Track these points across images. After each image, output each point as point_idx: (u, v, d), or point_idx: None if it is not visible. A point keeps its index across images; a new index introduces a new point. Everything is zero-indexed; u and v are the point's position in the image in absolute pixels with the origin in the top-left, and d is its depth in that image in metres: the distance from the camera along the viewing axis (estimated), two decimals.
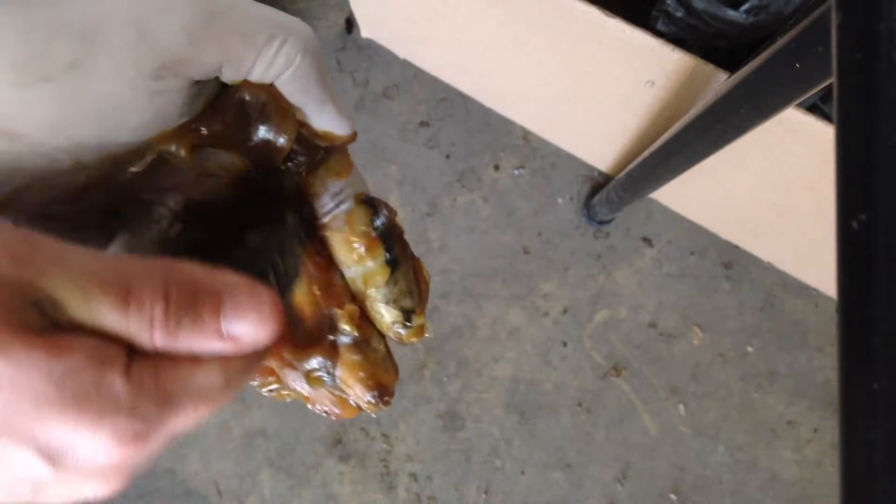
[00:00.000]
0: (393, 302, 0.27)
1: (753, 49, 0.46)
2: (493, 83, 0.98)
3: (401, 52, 1.06)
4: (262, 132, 0.24)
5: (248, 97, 0.23)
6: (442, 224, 1.02)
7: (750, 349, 0.99)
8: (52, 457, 0.15)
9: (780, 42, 0.41)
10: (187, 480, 0.97)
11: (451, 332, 1.00)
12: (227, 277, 0.18)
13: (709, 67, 0.63)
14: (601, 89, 0.79)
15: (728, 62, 0.62)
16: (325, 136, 0.25)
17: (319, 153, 0.26)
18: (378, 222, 0.27)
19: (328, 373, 0.27)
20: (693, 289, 1.01)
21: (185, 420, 0.17)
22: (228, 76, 0.22)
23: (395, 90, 1.06)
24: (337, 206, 0.27)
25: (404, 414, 0.98)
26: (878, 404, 0.17)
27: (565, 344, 0.99)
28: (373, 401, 0.27)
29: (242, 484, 0.97)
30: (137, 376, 0.16)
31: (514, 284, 1.01)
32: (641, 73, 0.70)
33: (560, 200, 1.03)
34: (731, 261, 1.01)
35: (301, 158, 0.25)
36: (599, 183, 1.03)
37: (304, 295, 0.27)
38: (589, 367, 0.99)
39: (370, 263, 0.27)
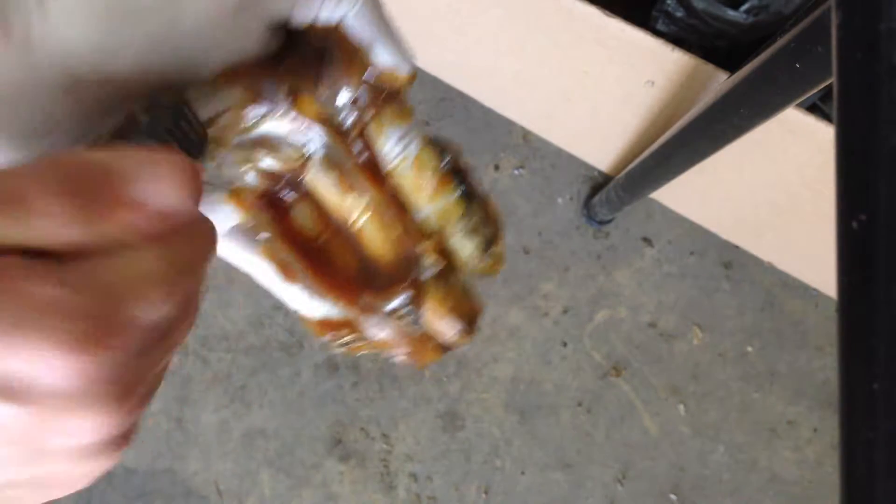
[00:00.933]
0: (472, 232, 0.27)
1: (753, 49, 0.46)
2: (493, 83, 0.98)
3: None
4: (332, 72, 0.25)
5: (315, 39, 0.24)
6: None
7: (750, 349, 0.99)
8: (10, 392, 0.13)
9: (780, 42, 0.41)
10: (187, 480, 0.97)
11: None
12: (124, 151, 0.16)
13: (709, 67, 0.63)
14: (601, 89, 0.79)
15: (728, 62, 0.62)
16: (388, 76, 0.26)
17: (381, 97, 0.26)
18: (446, 159, 0.27)
19: (413, 311, 0.27)
20: (693, 289, 1.01)
21: (146, 313, 0.15)
22: (299, 17, 0.24)
23: None
24: (403, 149, 0.27)
25: (404, 414, 0.98)
26: (878, 404, 0.17)
27: (565, 344, 0.99)
28: (464, 331, 0.27)
29: (242, 484, 0.97)
30: (66, 276, 0.14)
31: (514, 284, 1.01)
32: (641, 73, 0.70)
33: (560, 200, 1.03)
34: (731, 261, 1.01)
35: (365, 101, 0.26)
36: (599, 183, 1.03)
37: (380, 242, 0.27)
38: (589, 367, 0.99)
39: (444, 199, 0.27)
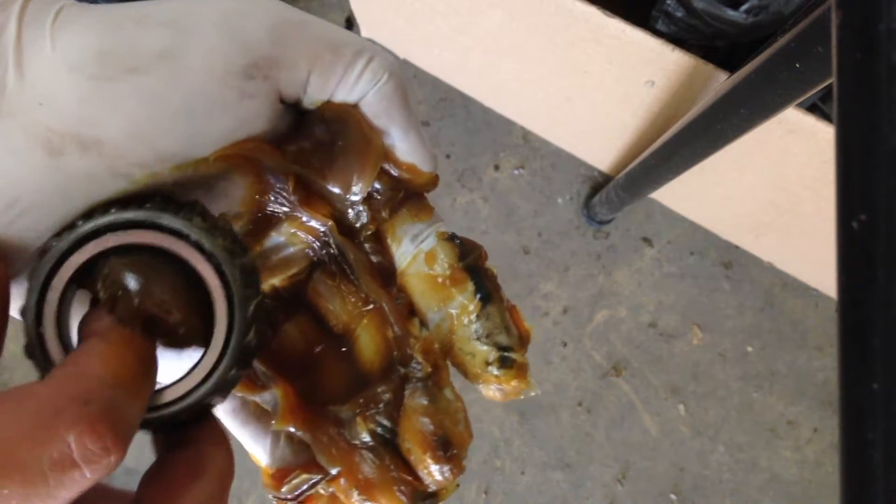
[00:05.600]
0: (486, 337, 0.24)
1: (753, 49, 0.46)
2: (493, 83, 0.98)
3: (401, 52, 1.06)
4: (346, 161, 0.22)
5: (329, 116, 0.22)
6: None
7: (750, 349, 0.99)
8: None
9: (780, 42, 0.41)
10: None
11: None
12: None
13: (709, 67, 0.63)
14: (601, 89, 0.79)
15: (728, 62, 0.62)
16: (408, 170, 0.23)
17: (399, 193, 0.24)
18: (465, 257, 0.24)
19: (385, 426, 0.23)
20: (693, 289, 1.01)
21: None
22: (314, 90, 0.21)
23: None
24: (417, 246, 0.24)
25: None
26: (878, 404, 0.17)
27: (565, 344, 0.99)
28: (434, 462, 0.22)
29: (242, 484, 0.97)
30: None
31: (514, 284, 1.01)
32: (641, 73, 0.70)
33: (560, 200, 1.03)
34: (731, 261, 1.01)
35: (381, 197, 0.23)
36: (599, 183, 1.03)
37: (373, 350, 0.24)
38: (589, 367, 0.99)
39: (458, 299, 0.24)
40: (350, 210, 0.23)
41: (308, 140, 0.22)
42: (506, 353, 0.24)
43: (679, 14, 0.73)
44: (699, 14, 0.70)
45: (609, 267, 1.01)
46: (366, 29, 1.06)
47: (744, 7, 0.68)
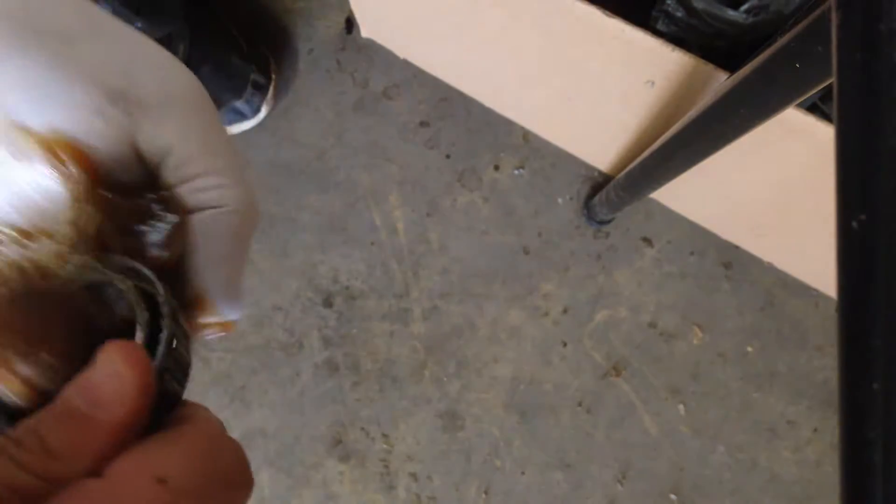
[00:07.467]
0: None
1: (753, 49, 0.46)
2: (493, 83, 0.98)
3: (401, 52, 1.06)
4: (148, 231, 0.21)
5: (159, 196, 0.21)
6: (442, 224, 1.02)
7: (750, 349, 0.99)
8: None
9: (780, 42, 0.41)
10: None
11: (451, 332, 1.00)
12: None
13: (709, 67, 0.63)
14: (601, 89, 0.79)
15: (728, 62, 0.62)
16: (193, 297, 0.22)
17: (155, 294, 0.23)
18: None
19: None
20: (693, 289, 1.01)
21: None
22: (166, 172, 0.21)
23: (395, 90, 1.06)
24: None
25: (404, 414, 0.98)
26: (878, 404, 0.17)
27: (565, 344, 0.99)
28: None
29: None
30: None
31: (514, 284, 1.01)
32: (641, 73, 0.70)
33: (560, 200, 1.03)
34: (731, 261, 1.01)
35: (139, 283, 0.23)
36: (599, 183, 1.03)
37: None
38: (589, 367, 0.99)
39: None
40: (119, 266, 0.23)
41: (131, 194, 0.21)
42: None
43: (679, 14, 0.72)
44: (699, 14, 0.70)
45: (609, 267, 1.01)
46: (366, 29, 1.06)
47: (744, 7, 0.68)
